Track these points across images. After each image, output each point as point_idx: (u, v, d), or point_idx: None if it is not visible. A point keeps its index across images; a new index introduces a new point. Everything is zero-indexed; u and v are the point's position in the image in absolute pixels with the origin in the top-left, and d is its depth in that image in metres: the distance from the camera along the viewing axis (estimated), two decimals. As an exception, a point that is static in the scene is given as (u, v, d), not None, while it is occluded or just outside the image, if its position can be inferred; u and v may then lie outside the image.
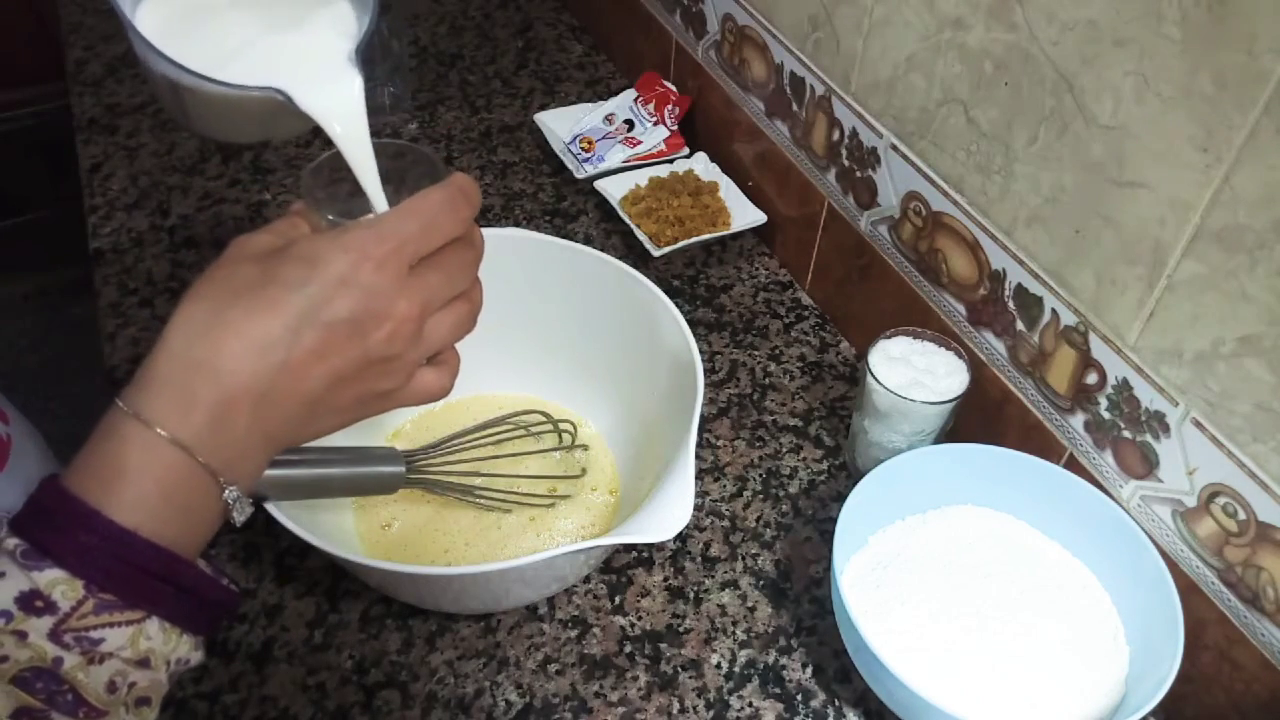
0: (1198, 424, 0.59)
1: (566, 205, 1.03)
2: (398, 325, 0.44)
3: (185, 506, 0.41)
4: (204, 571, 0.43)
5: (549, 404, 0.79)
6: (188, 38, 0.44)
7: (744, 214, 0.97)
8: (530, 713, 0.64)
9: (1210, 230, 0.55)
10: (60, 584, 0.38)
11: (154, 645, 0.40)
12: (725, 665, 0.67)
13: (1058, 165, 0.63)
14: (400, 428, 0.78)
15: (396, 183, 0.48)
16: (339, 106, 0.45)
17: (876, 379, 0.69)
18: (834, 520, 0.63)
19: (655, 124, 1.05)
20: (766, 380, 0.86)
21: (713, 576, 0.72)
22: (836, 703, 0.65)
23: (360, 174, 0.47)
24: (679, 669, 0.66)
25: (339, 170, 0.48)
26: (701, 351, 0.69)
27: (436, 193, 0.44)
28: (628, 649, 0.67)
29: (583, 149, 1.05)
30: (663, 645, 0.68)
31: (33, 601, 0.37)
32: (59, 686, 0.37)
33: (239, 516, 0.44)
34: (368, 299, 0.42)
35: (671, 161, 1.04)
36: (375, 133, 0.46)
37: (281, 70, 0.44)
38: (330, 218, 0.46)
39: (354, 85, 0.45)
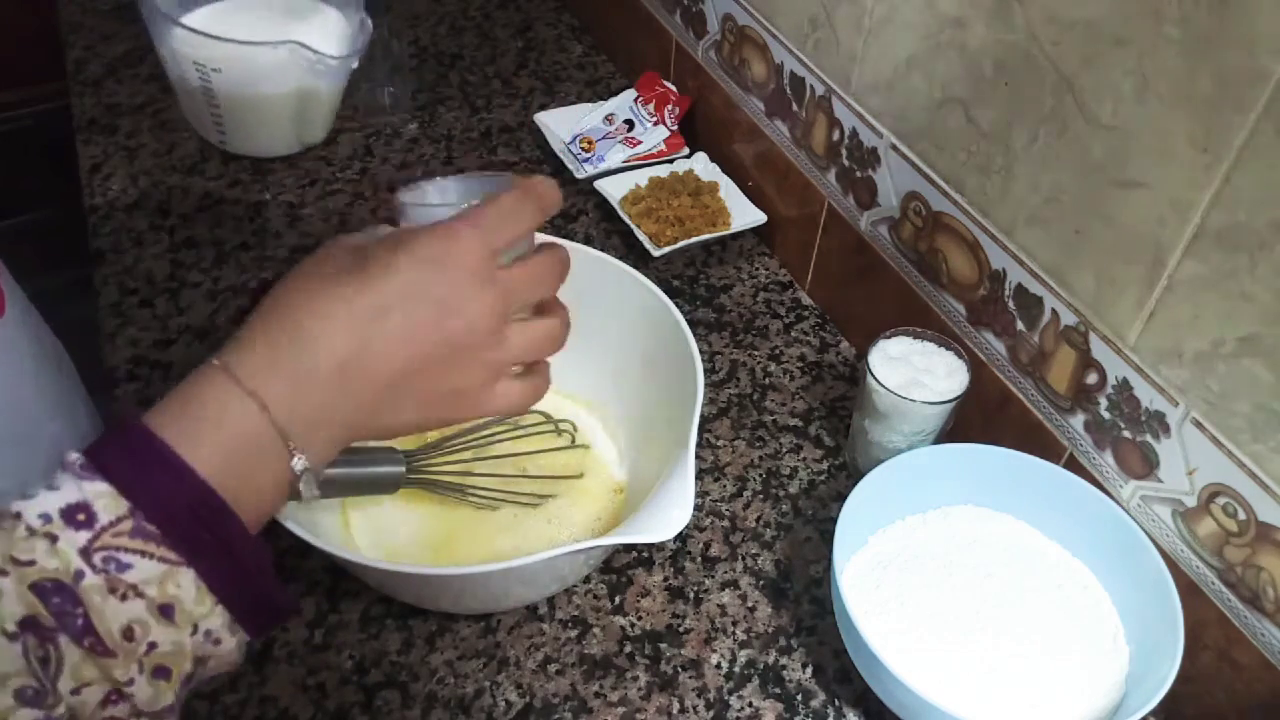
0: (1198, 424, 0.59)
1: (566, 205, 1.03)
2: (478, 314, 0.46)
3: (249, 465, 0.41)
4: (258, 542, 0.42)
5: (548, 403, 0.79)
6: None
7: (744, 214, 0.97)
8: (530, 713, 0.64)
9: (1210, 230, 0.55)
10: (105, 496, 0.38)
11: (182, 596, 0.38)
12: (725, 665, 0.67)
13: (1058, 165, 0.63)
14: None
15: None
16: None
17: (876, 379, 0.69)
18: (834, 520, 0.63)
19: (655, 124, 1.05)
20: (766, 380, 0.86)
21: (713, 576, 0.72)
22: (836, 703, 0.65)
23: None
24: (679, 669, 0.66)
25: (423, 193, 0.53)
26: (701, 351, 0.68)
27: (508, 192, 0.49)
28: (628, 649, 0.67)
29: (583, 149, 1.05)
30: (663, 645, 0.68)
31: (75, 514, 0.37)
32: (73, 607, 0.36)
33: (306, 491, 0.44)
34: (453, 284, 0.45)
35: (671, 161, 1.03)
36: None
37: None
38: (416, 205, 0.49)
39: None
